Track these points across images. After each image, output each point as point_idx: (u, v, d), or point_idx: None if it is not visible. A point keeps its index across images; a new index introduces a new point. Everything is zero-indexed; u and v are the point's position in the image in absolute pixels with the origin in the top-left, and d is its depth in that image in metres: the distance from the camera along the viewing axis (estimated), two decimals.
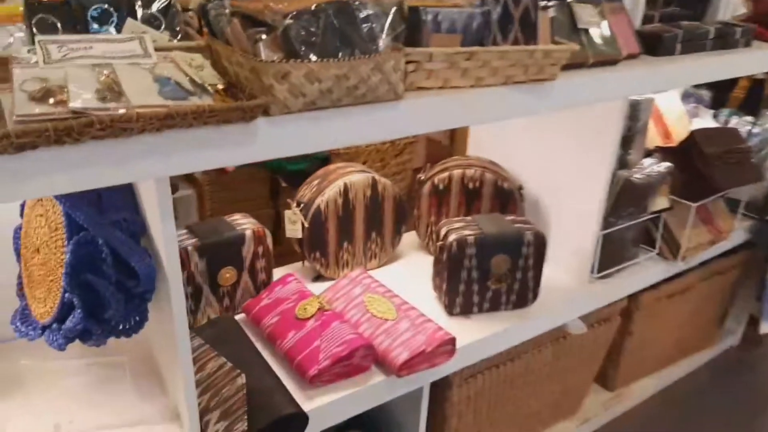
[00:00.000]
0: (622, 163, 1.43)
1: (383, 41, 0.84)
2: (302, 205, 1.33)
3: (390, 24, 0.83)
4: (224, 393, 0.96)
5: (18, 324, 0.91)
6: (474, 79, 0.98)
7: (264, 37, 0.76)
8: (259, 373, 1.03)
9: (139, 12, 0.87)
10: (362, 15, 0.80)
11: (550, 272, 1.44)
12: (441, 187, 1.45)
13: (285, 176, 1.93)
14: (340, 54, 0.78)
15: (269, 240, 1.24)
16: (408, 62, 0.90)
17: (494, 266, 1.25)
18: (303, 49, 0.76)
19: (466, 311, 1.29)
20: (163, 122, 0.67)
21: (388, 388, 1.12)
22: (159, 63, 0.78)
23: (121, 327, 0.89)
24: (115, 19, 0.85)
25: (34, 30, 0.80)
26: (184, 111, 0.68)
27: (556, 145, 1.43)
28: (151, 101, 0.71)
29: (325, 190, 1.31)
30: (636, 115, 1.41)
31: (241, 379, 0.97)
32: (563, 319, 1.40)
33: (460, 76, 0.96)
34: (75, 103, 0.67)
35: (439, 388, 1.30)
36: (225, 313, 1.24)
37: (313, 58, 0.76)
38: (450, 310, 1.28)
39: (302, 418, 0.97)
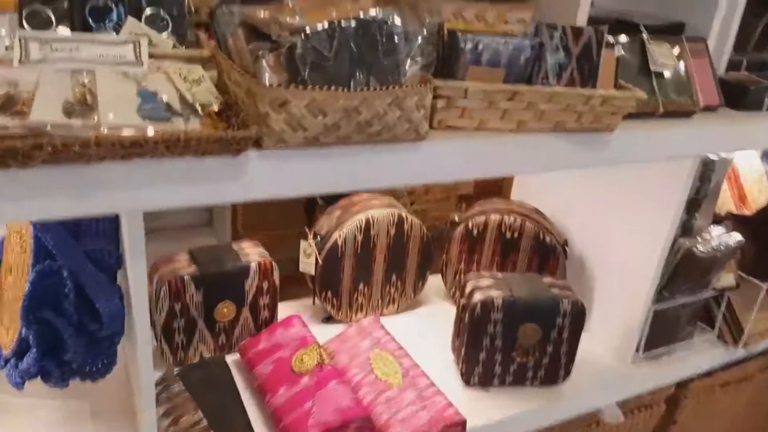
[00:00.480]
0: (686, 229, 1.25)
1: (409, 71, 0.71)
2: (319, 238, 1.21)
3: (419, 50, 0.70)
4: None
5: None
6: (516, 122, 0.84)
7: (267, 54, 0.65)
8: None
9: (147, 10, 0.77)
10: (387, 37, 0.68)
11: (588, 346, 1.27)
12: (475, 232, 1.31)
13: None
14: (353, 83, 0.66)
15: (276, 275, 1.12)
16: (437, 97, 0.77)
17: (522, 336, 1.09)
18: (308, 73, 0.64)
19: (485, 383, 1.13)
20: (129, 150, 0.56)
21: None
22: (150, 74, 0.68)
23: (86, 369, 0.78)
24: (114, 16, 0.75)
25: (24, 23, 0.71)
26: (153, 139, 0.57)
27: (613, 199, 1.26)
28: (124, 120, 0.60)
29: (345, 224, 1.19)
30: (708, 175, 1.23)
31: None
32: (598, 403, 1.23)
33: (499, 117, 0.83)
34: (33, 117, 0.57)
35: None
36: (220, 351, 1.12)
37: (319, 85, 0.64)
38: (467, 379, 1.13)
39: None
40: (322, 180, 0.70)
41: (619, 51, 0.87)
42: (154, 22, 0.76)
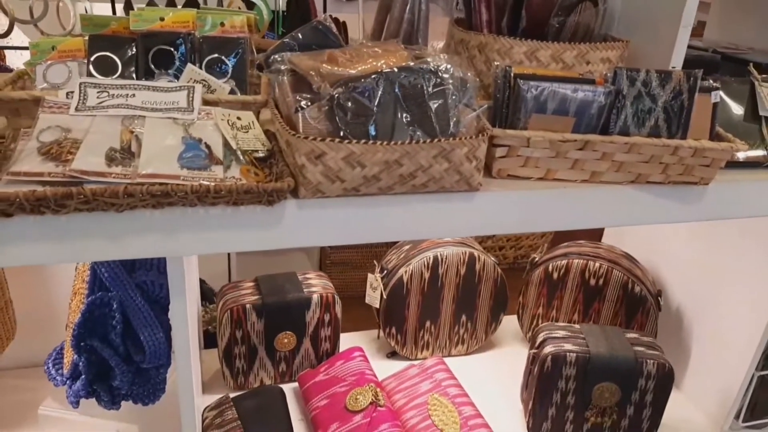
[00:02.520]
0: None
1: (463, 119, 0.67)
2: (385, 272, 1.18)
3: (470, 97, 0.65)
4: None
5: (50, 365, 0.87)
6: (589, 173, 0.76)
7: (308, 104, 0.63)
8: None
9: (207, 57, 0.78)
10: (435, 86, 0.64)
11: (679, 410, 1.14)
12: (555, 276, 1.22)
13: None
14: (396, 135, 0.62)
15: (338, 307, 1.11)
16: (497, 146, 0.71)
17: (597, 396, 1.00)
18: (348, 125, 0.61)
19: None
20: (159, 199, 0.57)
21: None
22: (198, 120, 0.69)
23: (135, 394, 0.81)
24: (177, 62, 0.77)
25: (91, 68, 0.75)
26: (183, 189, 0.57)
27: (719, 248, 1.12)
28: (161, 169, 0.61)
29: (412, 260, 1.15)
30: None
31: None
32: None
33: (569, 167, 0.75)
34: (75, 165, 0.59)
35: None
36: (281, 378, 1.13)
37: (360, 137, 0.61)
38: None
39: None
40: (363, 229, 0.68)
41: (716, 97, 0.76)
42: (213, 68, 0.77)
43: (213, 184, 0.58)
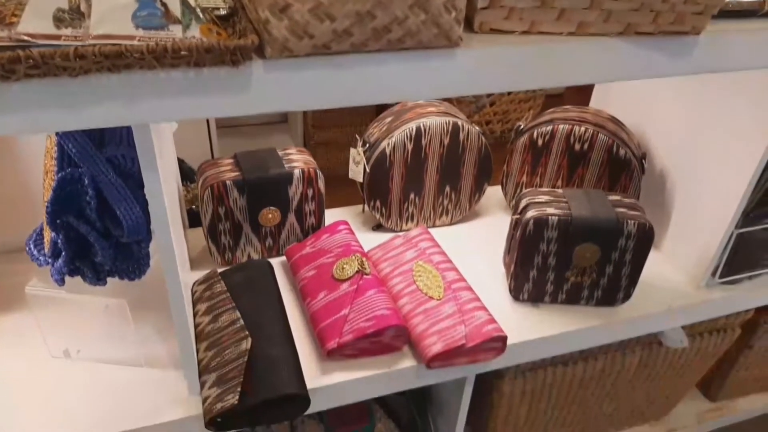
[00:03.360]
0: None
1: None
2: (368, 146, 1.16)
3: None
4: (226, 355, 0.87)
5: (31, 246, 0.86)
6: (575, 24, 0.72)
7: None
8: (275, 334, 0.92)
9: None
10: None
11: (658, 268, 1.18)
12: (540, 143, 1.20)
13: None
14: None
15: (321, 182, 1.09)
16: None
17: (578, 257, 1.02)
18: None
19: (535, 299, 1.08)
20: (114, 62, 0.53)
21: (419, 375, 0.98)
22: None
23: (119, 270, 0.81)
24: None
25: None
26: (139, 50, 0.53)
27: (705, 108, 1.10)
28: (114, 29, 0.56)
29: (395, 132, 1.12)
30: None
31: (246, 344, 0.87)
32: (661, 326, 1.15)
33: (554, 18, 0.71)
34: (21, 28, 0.54)
35: (489, 377, 1.14)
36: (268, 253, 1.14)
37: None
38: (516, 295, 1.08)
39: (302, 400, 0.86)
40: (336, 92, 0.64)
41: None
42: None
43: (170, 43, 0.54)
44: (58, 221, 0.72)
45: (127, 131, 0.76)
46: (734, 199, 1.06)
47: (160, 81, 0.57)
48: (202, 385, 0.86)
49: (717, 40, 0.79)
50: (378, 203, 1.18)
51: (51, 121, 0.56)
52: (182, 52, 0.54)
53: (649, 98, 1.24)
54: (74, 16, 0.57)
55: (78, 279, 0.83)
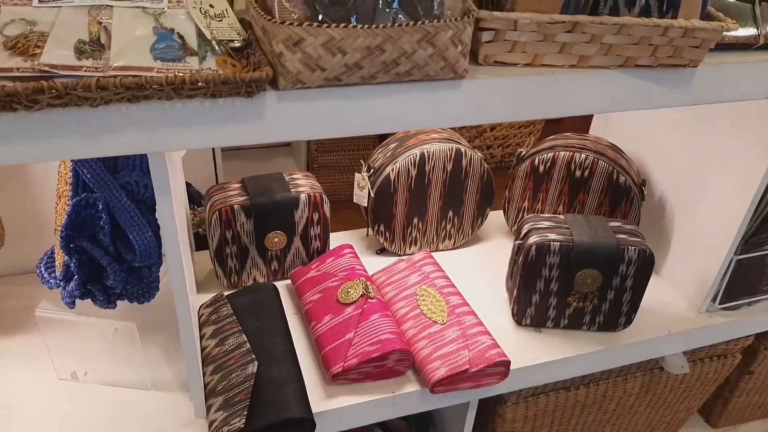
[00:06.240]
0: None
1: (448, 2, 0.64)
2: (372, 171, 1.18)
3: None
4: (233, 378, 0.88)
5: (42, 269, 0.88)
6: (576, 57, 0.74)
7: None
8: (280, 358, 0.93)
9: None
10: None
11: (657, 292, 1.20)
12: (541, 169, 1.22)
13: None
14: (377, 18, 0.60)
15: (327, 207, 1.11)
16: (483, 29, 0.69)
17: (579, 282, 1.03)
18: (326, 8, 0.58)
19: (537, 324, 1.09)
20: (134, 93, 0.55)
21: (423, 399, 0.98)
22: (168, 9, 0.65)
23: (130, 293, 0.83)
24: None
25: None
26: (158, 81, 0.55)
27: (704, 136, 1.12)
28: (134, 61, 0.59)
29: (399, 158, 1.15)
30: None
31: (253, 367, 0.88)
32: (661, 351, 1.16)
33: (556, 51, 0.73)
34: (44, 59, 0.57)
35: (491, 402, 1.14)
36: (273, 277, 1.15)
37: (339, 22, 0.58)
38: (518, 319, 1.09)
39: (308, 424, 0.87)
40: (346, 122, 0.66)
41: None
42: None
43: (188, 75, 0.56)
44: (72, 245, 0.74)
45: (140, 158, 0.78)
46: (733, 226, 1.07)
47: (178, 111, 0.59)
48: (209, 409, 0.87)
49: (714, 72, 0.81)
50: (382, 227, 1.20)
51: (71, 149, 0.58)
52: (199, 84, 0.56)
53: (648, 126, 1.27)
54: (95, 47, 0.59)
55: (87, 302, 0.85)
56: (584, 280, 1.03)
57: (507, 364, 0.97)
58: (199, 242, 1.21)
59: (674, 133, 1.20)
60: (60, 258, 0.82)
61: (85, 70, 0.57)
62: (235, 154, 2.56)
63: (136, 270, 0.80)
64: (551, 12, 0.70)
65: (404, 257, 1.17)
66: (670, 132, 1.21)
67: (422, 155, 1.14)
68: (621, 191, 1.19)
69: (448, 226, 1.24)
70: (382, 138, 1.54)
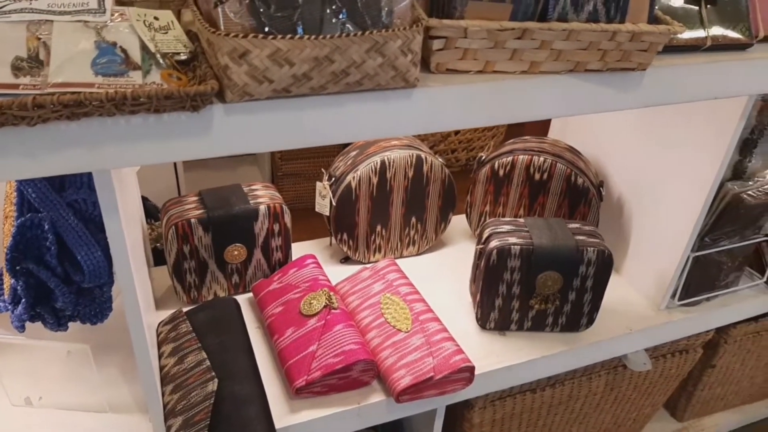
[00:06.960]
0: (737, 172, 1.13)
1: (396, 9, 0.64)
2: (333, 179, 1.17)
3: None
4: (192, 398, 0.86)
5: None
6: (528, 63, 0.75)
7: None
8: (242, 374, 0.91)
9: None
10: None
11: (619, 292, 1.21)
12: (501, 173, 1.23)
13: None
14: (324, 28, 0.59)
15: (287, 217, 1.10)
16: (433, 38, 0.69)
17: (541, 285, 1.04)
18: (272, 19, 0.57)
19: (501, 327, 1.10)
20: (73, 110, 0.53)
21: (389, 409, 0.98)
22: (111, 22, 0.63)
23: (81, 315, 0.80)
24: None
25: None
26: (98, 98, 0.53)
27: (657, 137, 1.15)
28: (74, 77, 0.57)
29: (359, 166, 1.14)
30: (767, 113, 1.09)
31: (212, 385, 0.86)
32: (624, 349, 1.17)
33: (507, 58, 0.74)
34: None
35: (458, 407, 1.14)
36: (234, 291, 1.13)
37: (282, 33, 0.58)
38: (482, 323, 1.10)
39: None
40: (297, 133, 0.65)
41: None
42: None
43: (130, 90, 0.54)
44: (18, 267, 0.71)
45: (88, 175, 0.75)
46: (689, 224, 1.09)
47: (120, 127, 0.58)
48: (168, 430, 0.85)
49: (663, 74, 0.83)
50: (345, 236, 1.19)
51: (10, 169, 0.56)
52: (141, 99, 0.55)
53: (604, 128, 1.29)
54: (33, 64, 0.57)
55: (38, 325, 0.82)
56: (545, 282, 1.04)
57: (471, 369, 0.97)
58: (158, 257, 1.18)
59: (630, 134, 1.22)
60: (7, 281, 0.79)
61: (22, 88, 0.55)
62: (199, 164, 2.52)
63: (87, 290, 0.77)
64: (501, 19, 0.70)
65: (368, 265, 1.16)
66: (626, 133, 1.23)
67: (383, 163, 1.13)
68: (579, 193, 1.20)
69: (412, 233, 1.24)
70: (345, 146, 1.53)
